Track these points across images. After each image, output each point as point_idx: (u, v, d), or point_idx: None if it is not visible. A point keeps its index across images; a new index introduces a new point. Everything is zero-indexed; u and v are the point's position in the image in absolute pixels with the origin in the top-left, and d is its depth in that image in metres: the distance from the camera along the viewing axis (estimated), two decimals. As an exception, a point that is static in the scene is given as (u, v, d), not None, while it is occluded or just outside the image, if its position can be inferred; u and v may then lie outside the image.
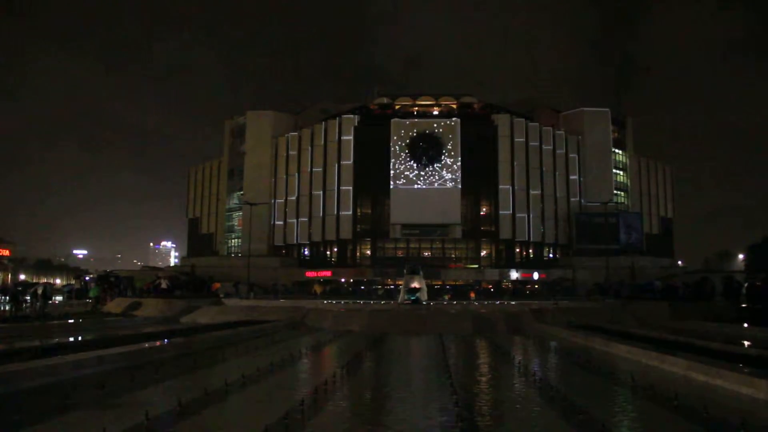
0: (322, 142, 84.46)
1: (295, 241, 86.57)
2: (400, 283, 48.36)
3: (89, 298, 40.81)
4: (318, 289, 70.76)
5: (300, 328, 28.34)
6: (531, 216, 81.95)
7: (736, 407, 9.72)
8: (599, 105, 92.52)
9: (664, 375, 13.35)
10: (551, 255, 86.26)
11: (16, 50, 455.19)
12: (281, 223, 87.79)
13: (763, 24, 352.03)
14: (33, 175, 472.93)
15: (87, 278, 58.43)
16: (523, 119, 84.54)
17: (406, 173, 79.52)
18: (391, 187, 79.33)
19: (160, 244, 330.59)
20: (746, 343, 18.98)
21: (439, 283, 71.81)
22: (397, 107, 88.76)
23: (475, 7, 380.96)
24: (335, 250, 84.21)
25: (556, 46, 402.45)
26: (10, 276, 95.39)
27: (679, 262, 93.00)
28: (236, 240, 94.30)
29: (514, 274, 77.98)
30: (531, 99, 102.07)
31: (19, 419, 8.56)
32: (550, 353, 18.95)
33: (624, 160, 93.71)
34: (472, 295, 60.05)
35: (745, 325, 25.13)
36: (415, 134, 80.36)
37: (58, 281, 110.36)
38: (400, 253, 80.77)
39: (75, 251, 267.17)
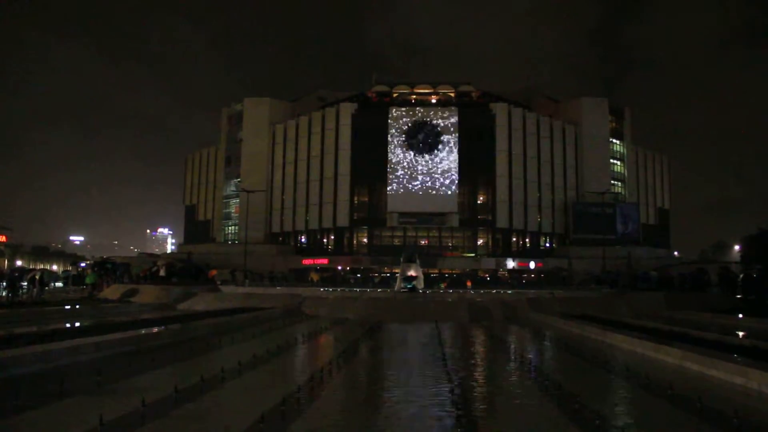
0: (320, 129, 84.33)
1: (291, 229, 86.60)
2: (396, 271, 48.43)
3: (86, 285, 40.82)
4: (315, 276, 70.80)
5: (296, 315, 28.37)
6: (528, 205, 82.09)
7: (730, 397, 9.79)
8: (597, 95, 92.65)
9: (659, 365, 13.41)
10: (548, 244, 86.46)
11: (15, 39, 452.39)
12: (278, 210, 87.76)
13: (762, 17, 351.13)
14: (30, 161, 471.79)
15: (83, 265, 58.37)
16: (521, 108, 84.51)
17: (403, 161, 79.44)
18: (389, 175, 79.28)
19: (157, 231, 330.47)
20: (741, 333, 19.07)
21: (436, 271, 71.98)
22: (395, 95, 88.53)
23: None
24: (332, 237, 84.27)
25: (555, 35, 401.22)
26: (6, 262, 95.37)
27: (676, 253, 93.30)
28: (233, 227, 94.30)
29: (511, 263, 78.15)
30: (529, 88, 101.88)
31: (16, 404, 8.57)
32: (546, 342, 19.02)
33: (621, 150, 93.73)
34: (469, 283, 60.24)
35: (740, 315, 25.22)
36: (412, 122, 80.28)
37: (54, 267, 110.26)
38: (396, 242, 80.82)
39: (72, 237, 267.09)
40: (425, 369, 12.86)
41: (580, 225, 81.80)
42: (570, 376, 12.45)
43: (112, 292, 38.41)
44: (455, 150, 79.46)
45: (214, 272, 52.92)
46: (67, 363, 12.41)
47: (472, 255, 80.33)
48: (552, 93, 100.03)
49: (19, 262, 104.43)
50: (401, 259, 41.22)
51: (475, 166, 80.00)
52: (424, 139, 79.76)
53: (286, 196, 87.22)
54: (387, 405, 9.47)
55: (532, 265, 78.11)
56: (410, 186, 78.58)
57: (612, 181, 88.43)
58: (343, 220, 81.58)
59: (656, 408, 9.47)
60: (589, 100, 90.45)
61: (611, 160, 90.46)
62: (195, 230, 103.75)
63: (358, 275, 73.05)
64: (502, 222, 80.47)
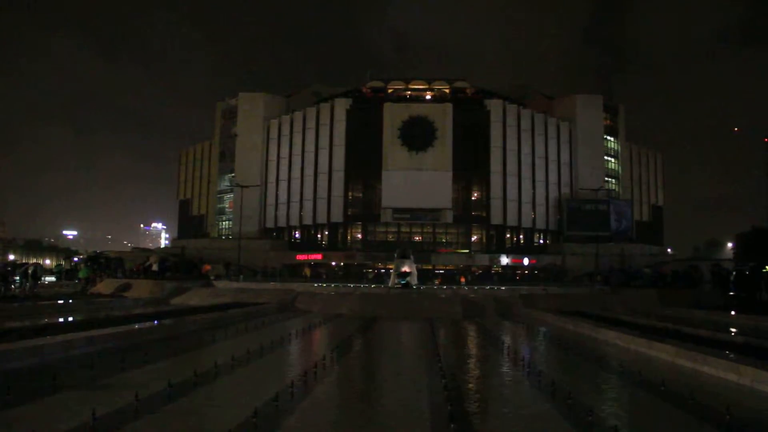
0: (314, 125, 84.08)
1: (285, 224, 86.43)
2: (390, 267, 48.41)
3: (79, 279, 40.67)
4: (308, 272, 70.63)
5: (290, 310, 28.36)
6: (522, 202, 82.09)
7: (722, 393, 9.84)
8: (592, 92, 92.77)
9: (652, 361, 13.47)
10: (541, 241, 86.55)
11: (11, 36, 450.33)
12: (272, 205, 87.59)
13: (755, 13, 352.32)
14: (24, 156, 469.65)
15: (76, 259, 58.14)
16: (516, 105, 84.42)
17: (397, 157, 79.28)
18: (383, 171, 79.17)
19: (150, 226, 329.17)
20: (733, 330, 19.17)
21: (430, 267, 71.94)
22: (389, 91, 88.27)
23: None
24: (326, 233, 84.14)
25: (549, 31, 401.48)
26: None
27: (669, 250, 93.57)
28: (227, 222, 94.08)
29: (504, 260, 78.14)
30: (524, 85, 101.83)
31: (8, 399, 8.54)
32: (539, 338, 19.07)
33: (615, 147, 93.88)
34: (462, 279, 60.32)
35: (733, 312, 25.34)
36: (407, 118, 80.00)
37: (47, 262, 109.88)
38: (390, 238, 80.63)
39: (65, 232, 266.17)
40: (420, 367, 12.86)
41: (574, 222, 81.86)
42: (563, 373, 12.49)
43: (105, 286, 38.28)
44: (449, 146, 79.35)
45: (207, 267, 52.65)
46: (60, 357, 12.37)
47: (466, 251, 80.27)
48: (547, 90, 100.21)
49: (11, 257, 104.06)
50: (395, 255, 41.23)
51: (470, 162, 79.92)
52: (418, 135, 79.47)
53: (280, 192, 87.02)
54: (381, 401, 9.48)
55: (525, 261, 78.14)
56: (404, 182, 78.32)
57: (606, 178, 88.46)
58: (337, 216, 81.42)
59: (649, 404, 9.51)
60: (583, 97, 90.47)
61: (605, 157, 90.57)
62: (188, 225, 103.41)
63: (350, 270, 72.85)
64: (496, 218, 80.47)
